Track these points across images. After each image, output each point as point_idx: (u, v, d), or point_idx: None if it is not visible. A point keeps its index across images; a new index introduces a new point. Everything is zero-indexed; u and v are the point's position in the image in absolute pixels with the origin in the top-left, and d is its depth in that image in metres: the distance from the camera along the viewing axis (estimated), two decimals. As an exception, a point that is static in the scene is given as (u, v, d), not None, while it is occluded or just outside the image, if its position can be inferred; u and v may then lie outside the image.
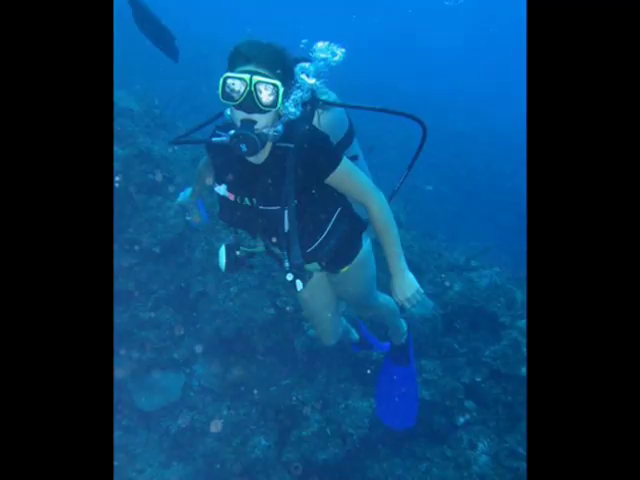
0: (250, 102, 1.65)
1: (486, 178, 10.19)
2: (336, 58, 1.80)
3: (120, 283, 4.09)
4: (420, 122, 1.96)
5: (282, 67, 1.68)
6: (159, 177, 4.63)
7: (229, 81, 1.65)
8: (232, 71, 1.66)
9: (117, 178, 4.40)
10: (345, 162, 1.85)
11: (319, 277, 2.32)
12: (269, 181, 1.84)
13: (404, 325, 2.87)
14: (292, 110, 1.75)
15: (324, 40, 1.80)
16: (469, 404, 3.77)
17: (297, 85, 1.77)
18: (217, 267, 2.12)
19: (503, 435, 3.53)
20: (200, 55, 10.21)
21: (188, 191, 2.45)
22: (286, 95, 1.71)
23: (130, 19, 4.92)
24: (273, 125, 1.73)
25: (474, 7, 25.06)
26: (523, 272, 4.86)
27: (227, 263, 2.07)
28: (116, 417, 3.72)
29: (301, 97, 1.78)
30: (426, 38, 21.67)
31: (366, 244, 2.24)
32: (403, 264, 1.98)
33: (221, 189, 1.91)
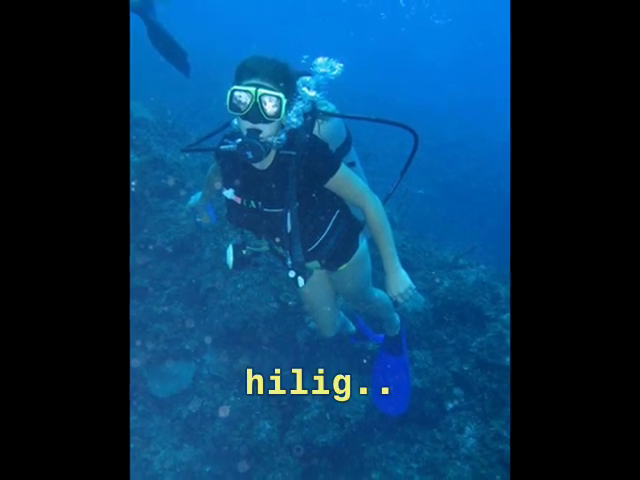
0: (255, 113, 1.65)
1: (474, 183, 10.16)
2: (335, 72, 1.80)
3: (136, 280, 4.09)
4: (412, 131, 1.96)
5: (285, 80, 1.68)
6: (171, 182, 4.64)
7: (236, 93, 1.65)
8: (239, 84, 1.66)
9: (133, 183, 4.40)
10: (343, 168, 1.85)
11: (319, 274, 2.32)
12: (273, 186, 1.84)
13: (397, 318, 2.87)
14: (294, 120, 1.75)
15: (324, 56, 1.80)
16: (457, 391, 3.77)
17: (299, 97, 1.77)
18: (225, 265, 2.12)
19: (489, 420, 3.52)
20: (210, 70, 10.18)
21: (198, 195, 2.46)
22: (289, 106, 1.72)
23: (145, 36, 4.92)
24: (277, 134, 1.73)
25: (462, 24, 25.11)
26: (507, 270, 4.87)
27: (234, 261, 2.07)
28: (132, 403, 3.72)
29: (302, 108, 1.78)
30: (418, 53, 21.66)
31: (362, 244, 2.24)
32: (397, 262, 1.98)
33: (229, 193, 1.92)
